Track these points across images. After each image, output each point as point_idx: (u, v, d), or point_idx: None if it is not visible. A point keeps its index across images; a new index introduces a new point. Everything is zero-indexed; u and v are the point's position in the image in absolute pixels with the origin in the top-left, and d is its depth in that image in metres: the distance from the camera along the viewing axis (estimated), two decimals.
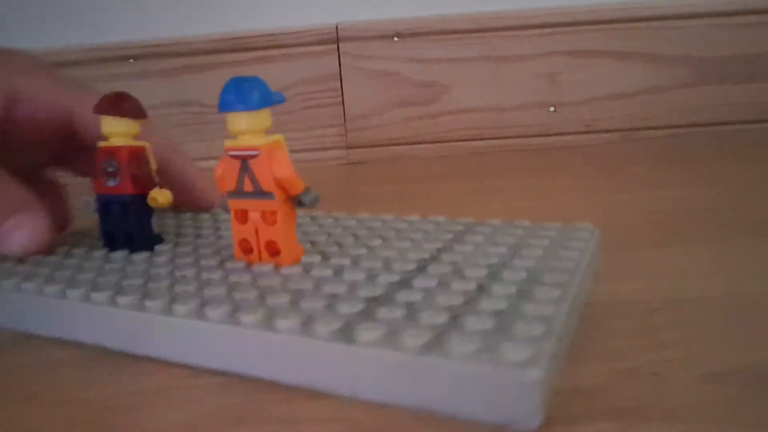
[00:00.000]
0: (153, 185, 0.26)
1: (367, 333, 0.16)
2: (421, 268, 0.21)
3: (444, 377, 0.15)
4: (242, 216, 0.23)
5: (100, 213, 0.26)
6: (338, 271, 0.22)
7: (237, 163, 0.22)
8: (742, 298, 0.22)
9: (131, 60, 0.58)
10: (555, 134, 0.59)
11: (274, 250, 0.23)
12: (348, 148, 0.59)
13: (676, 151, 0.53)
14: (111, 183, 0.25)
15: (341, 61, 0.58)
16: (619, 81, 0.58)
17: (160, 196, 0.26)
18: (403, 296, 0.18)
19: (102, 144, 0.26)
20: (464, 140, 0.60)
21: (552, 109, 0.59)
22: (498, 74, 0.58)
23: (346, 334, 0.16)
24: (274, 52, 0.58)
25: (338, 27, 0.57)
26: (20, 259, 0.25)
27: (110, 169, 0.25)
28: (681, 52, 0.58)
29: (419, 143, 0.60)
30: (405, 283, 0.20)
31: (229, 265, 0.23)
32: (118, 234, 0.26)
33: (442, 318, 0.16)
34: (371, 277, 0.21)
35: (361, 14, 0.58)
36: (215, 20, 0.58)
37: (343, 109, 0.59)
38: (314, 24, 0.58)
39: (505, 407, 0.14)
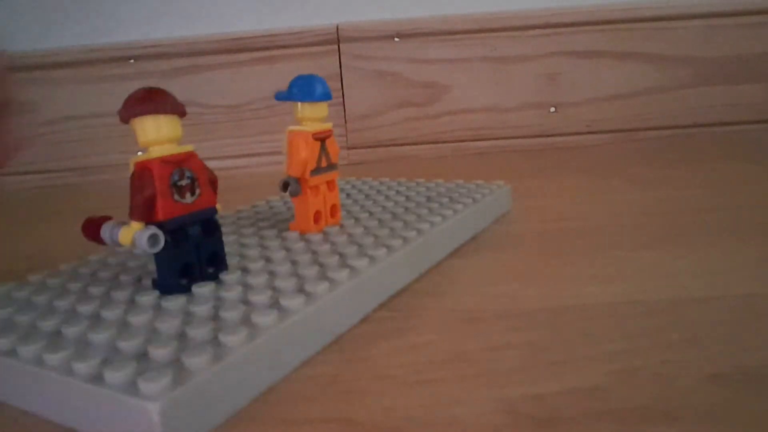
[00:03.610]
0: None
1: None
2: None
3: None
4: (315, 191, 0.27)
5: (170, 243, 0.20)
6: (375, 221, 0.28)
7: (317, 144, 0.26)
8: (742, 299, 0.22)
9: (131, 60, 0.58)
10: (555, 135, 0.59)
11: (335, 213, 0.28)
12: (349, 148, 0.59)
13: (676, 152, 0.53)
14: (188, 199, 0.20)
15: (342, 62, 0.58)
16: (619, 81, 0.58)
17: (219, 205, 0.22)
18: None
19: (157, 154, 0.19)
20: (464, 140, 0.60)
21: (552, 109, 0.59)
22: (498, 74, 0.58)
23: None
24: (275, 52, 0.58)
25: (339, 27, 0.57)
26: None
27: (184, 182, 0.20)
28: (681, 53, 0.58)
29: (420, 143, 0.60)
30: None
31: (334, 236, 0.26)
32: (199, 261, 0.21)
33: None
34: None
35: (362, 15, 0.58)
36: (215, 21, 0.58)
37: (344, 110, 0.59)
38: (315, 24, 0.58)
39: None
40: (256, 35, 0.57)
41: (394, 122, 0.59)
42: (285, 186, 0.26)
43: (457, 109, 0.59)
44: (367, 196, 0.35)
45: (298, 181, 0.26)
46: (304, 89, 0.26)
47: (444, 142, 0.60)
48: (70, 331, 0.18)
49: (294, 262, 0.23)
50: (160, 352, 0.16)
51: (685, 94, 0.59)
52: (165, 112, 0.19)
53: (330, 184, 0.27)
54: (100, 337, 0.17)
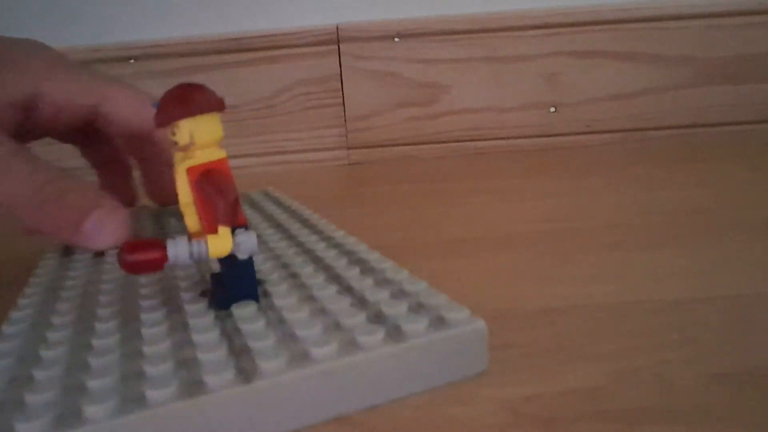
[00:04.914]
0: None
1: None
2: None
3: None
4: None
5: (228, 266, 0.19)
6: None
7: None
8: (743, 299, 0.22)
9: (131, 60, 0.58)
10: (555, 135, 0.59)
11: None
12: (349, 148, 0.59)
13: (676, 152, 0.53)
14: None
15: (342, 62, 0.58)
16: (619, 81, 0.58)
17: None
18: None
19: (219, 155, 0.18)
20: (464, 141, 0.60)
21: (552, 109, 0.59)
22: (498, 74, 0.58)
23: None
24: (275, 52, 0.58)
25: (339, 27, 0.57)
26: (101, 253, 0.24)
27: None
28: (682, 53, 0.58)
29: (420, 144, 0.60)
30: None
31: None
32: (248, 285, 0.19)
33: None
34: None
35: (362, 15, 0.58)
36: (216, 20, 0.58)
37: (344, 110, 0.59)
38: (315, 24, 0.58)
39: None
40: (256, 35, 0.57)
41: (394, 122, 0.59)
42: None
43: (457, 109, 0.59)
44: None
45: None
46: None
47: (444, 143, 0.60)
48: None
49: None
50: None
51: (685, 94, 0.59)
52: (219, 109, 0.18)
53: None
54: (353, 319, 0.18)
